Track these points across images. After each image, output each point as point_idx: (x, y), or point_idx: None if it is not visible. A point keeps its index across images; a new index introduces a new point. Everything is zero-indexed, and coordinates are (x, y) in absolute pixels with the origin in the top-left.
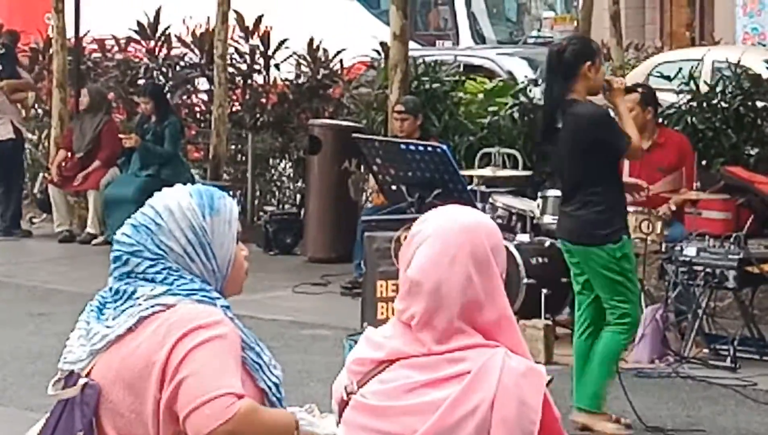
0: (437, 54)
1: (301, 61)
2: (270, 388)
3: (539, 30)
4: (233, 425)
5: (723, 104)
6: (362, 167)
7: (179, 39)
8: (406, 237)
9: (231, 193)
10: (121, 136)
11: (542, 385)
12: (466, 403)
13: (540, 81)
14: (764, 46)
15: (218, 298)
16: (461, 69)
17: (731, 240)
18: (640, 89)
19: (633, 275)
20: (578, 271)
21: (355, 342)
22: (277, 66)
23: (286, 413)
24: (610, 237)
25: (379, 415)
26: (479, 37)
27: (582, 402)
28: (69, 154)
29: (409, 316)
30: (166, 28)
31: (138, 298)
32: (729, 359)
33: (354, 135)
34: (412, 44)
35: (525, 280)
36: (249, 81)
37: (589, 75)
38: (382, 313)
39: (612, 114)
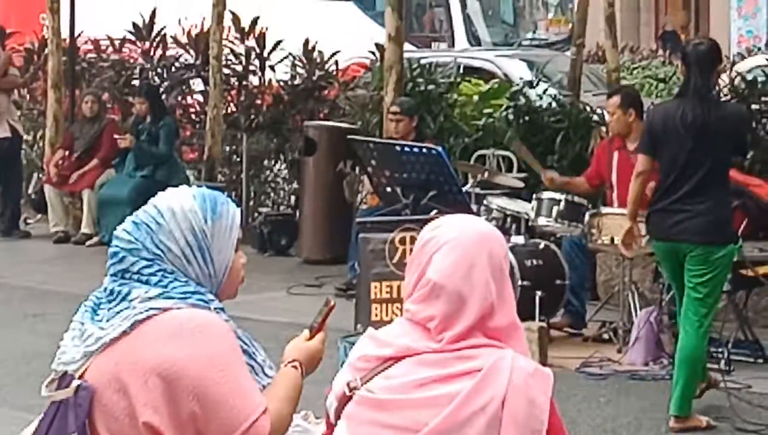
0: (436, 56)
1: (297, 62)
2: (263, 389)
3: (534, 32)
4: None
5: None
6: (357, 169)
7: (174, 40)
8: (401, 239)
9: (226, 193)
10: (116, 136)
11: (549, 386)
12: (478, 399)
13: (536, 83)
14: (759, 49)
15: (213, 301)
16: (460, 71)
17: None
18: (621, 92)
19: None
20: (676, 272)
21: (350, 343)
22: (272, 67)
23: (281, 378)
24: (733, 237)
25: (387, 409)
26: (474, 39)
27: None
28: (66, 153)
29: (425, 318)
30: (161, 29)
31: (132, 300)
32: (723, 362)
33: (349, 136)
34: (410, 46)
35: (519, 282)
36: (244, 82)
37: (719, 75)
38: (376, 315)
39: None
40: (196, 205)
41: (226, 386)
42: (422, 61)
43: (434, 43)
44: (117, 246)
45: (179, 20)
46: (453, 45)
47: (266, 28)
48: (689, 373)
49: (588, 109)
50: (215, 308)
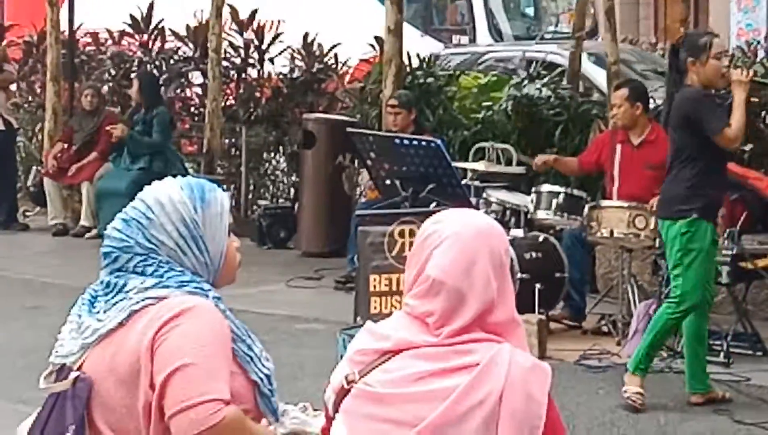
0: (504, 50)
1: (296, 55)
2: (261, 380)
3: (557, 25)
4: (217, 432)
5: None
6: (356, 162)
7: (173, 32)
8: (400, 232)
9: (225, 187)
10: (108, 127)
11: (547, 381)
12: (475, 393)
13: (535, 77)
14: (758, 42)
15: (210, 290)
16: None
17: (725, 235)
18: (629, 85)
19: (700, 258)
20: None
21: (349, 336)
22: (271, 60)
23: (270, 432)
24: (683, 213)
25: (384, 403)
26: (496, 33)
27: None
28: (65, 146)
29: (424, 313)
30: (160, 22)
31: (129, 291)
32: (722, 354)
33: (348, 129)
34: (435, 43)
35: (519, 275)
36: (243, 75)
37: (693, 69)
38: (375, 308)
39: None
40: (184, 195)
41: (193, 361)
42: (489, 56)
43: (455, 37)
44: (109, 246)
45: (194, 13)
46: (474, 39)
47: (274, 21)
48: (691, 350)
49: (587, 101)
50: (213, 297)
